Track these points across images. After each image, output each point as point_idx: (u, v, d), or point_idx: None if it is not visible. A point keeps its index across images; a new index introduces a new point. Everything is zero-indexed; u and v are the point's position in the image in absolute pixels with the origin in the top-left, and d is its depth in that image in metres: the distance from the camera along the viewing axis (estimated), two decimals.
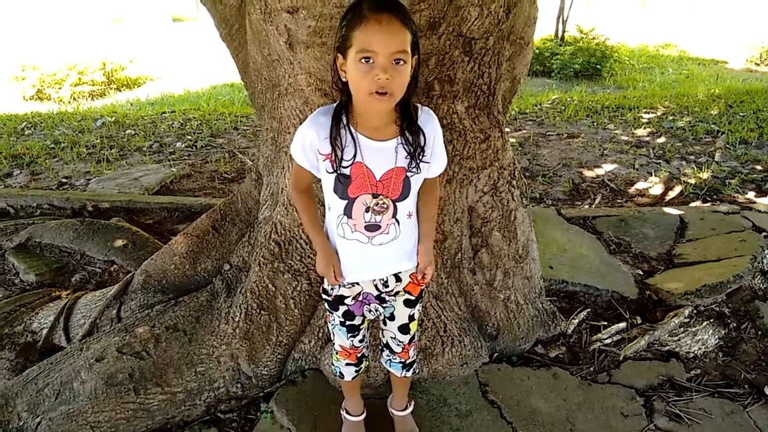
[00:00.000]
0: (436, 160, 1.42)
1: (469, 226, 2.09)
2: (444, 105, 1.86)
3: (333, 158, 1.31)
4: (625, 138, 5.27)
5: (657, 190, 4.04)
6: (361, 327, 1.62)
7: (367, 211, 1.37)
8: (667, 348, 2.28)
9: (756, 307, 2.44)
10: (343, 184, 1.34)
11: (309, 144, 1.33)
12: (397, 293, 1.55)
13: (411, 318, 1.60)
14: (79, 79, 9.70)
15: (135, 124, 6.15)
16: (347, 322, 1.58)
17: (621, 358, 2.21)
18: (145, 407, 1.92)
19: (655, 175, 4.26)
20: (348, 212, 1.38)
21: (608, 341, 2.31)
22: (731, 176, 4.22)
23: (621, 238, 3.10)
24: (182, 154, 5.02)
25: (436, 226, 1.63)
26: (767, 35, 11.20)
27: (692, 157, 4.68)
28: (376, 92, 1.18)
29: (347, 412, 1.84)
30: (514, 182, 2.12)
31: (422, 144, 1.34)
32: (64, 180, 4.41)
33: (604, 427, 1.89)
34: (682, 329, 2.35)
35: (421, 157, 1.35)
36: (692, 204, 3.75)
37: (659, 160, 4.63)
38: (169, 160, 4.81)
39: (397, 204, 1.38)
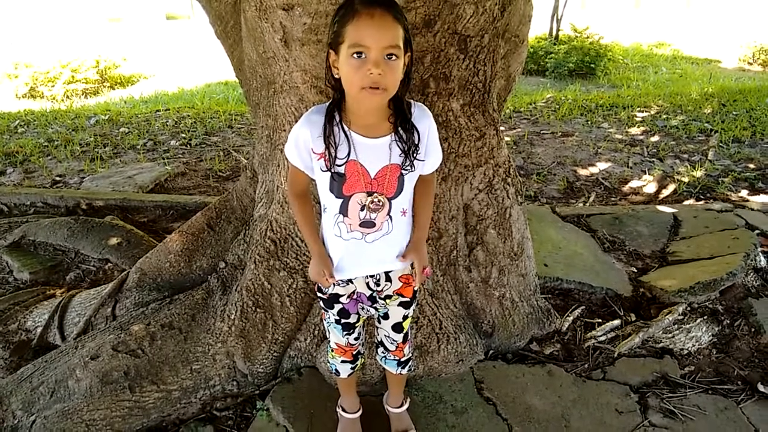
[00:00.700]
0: (430, 157, 1.42)
1: (464, 223, 2.10)
2: (439, 102, 1.86)
3: (327, 157, 1.31)
4: (619, 136, 5.29)
5: (651, 188, 4.07)
6: (357, 325, 1.63)
7: (362, 209, 1.36)
8: (661, 345, 2.29)
9: (749, 304, 2.46)
10: (338, 183, 1.34)
11: (303, 143, 1.33)
12: (389, 297, 1.55)
13: (405, 317, 1.61)
14: (72, 77, 9.65)
15: (129, 122, 6.12)
16: (342, 320, 1.58)
17: (615, 355, 2.22)
18: (140, 405, 1.91)
19: (649, 174, 4.29)
20: (344, 211, 1.37)
21: (603, 338, 2.32)
22: (724, 174, 4.25)
23: (615, 236, 3.12)
24: (176, 153, 5.00)
25: (431, 223, 1.63)
26: (760, 35, 11.28)
27: (686, 156, 4.71)
28: (369, 87, 1.17)
29: (343, 410, 1.85)
30: (509, 180, 2.13)
31: (416, 141, 1.34)
32: (57, 178, 4.38)
33: (599, 423, 1.90)
34: (676, 326, 2.37)
35: (415, 154, 1.34)
36: (686, 202, 3.77)
37: (653, 159, 4.66)
38: (163, 158, 4.80)
39: (392, 201, 1.38)
